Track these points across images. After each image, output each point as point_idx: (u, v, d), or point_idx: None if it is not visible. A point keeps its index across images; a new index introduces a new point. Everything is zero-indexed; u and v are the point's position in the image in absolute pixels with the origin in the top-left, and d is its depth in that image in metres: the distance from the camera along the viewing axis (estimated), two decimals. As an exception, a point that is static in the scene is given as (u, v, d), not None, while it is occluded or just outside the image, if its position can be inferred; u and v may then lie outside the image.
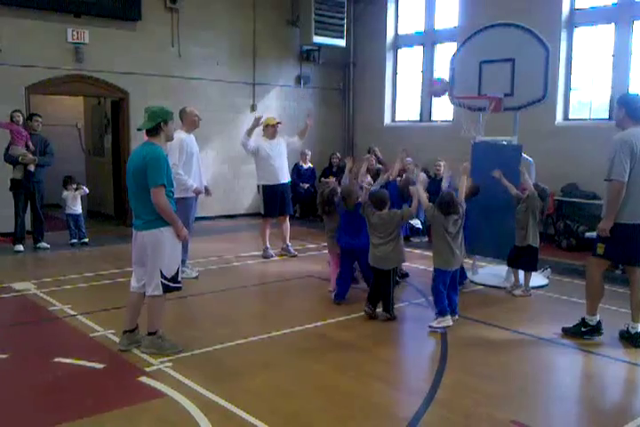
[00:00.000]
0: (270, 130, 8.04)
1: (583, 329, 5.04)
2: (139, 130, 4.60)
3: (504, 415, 3.66)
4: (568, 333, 5.12)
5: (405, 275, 6.97)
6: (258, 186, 8.15)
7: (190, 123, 6.88)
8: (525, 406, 3.87)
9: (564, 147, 9.33)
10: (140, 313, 4.68)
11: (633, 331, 4.95)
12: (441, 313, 5.25)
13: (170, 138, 4.71)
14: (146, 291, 4.56)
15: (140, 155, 4.44)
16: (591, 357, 4.75)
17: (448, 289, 5.37)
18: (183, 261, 6.77)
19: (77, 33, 9.67)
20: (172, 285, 4.53)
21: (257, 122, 7.84)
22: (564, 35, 9.75)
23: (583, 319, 5.07)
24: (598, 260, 4.96)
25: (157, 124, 4.48)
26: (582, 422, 3.77)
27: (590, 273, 5.08)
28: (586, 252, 8.04)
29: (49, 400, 3.85)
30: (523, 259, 6.31)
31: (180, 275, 4.61)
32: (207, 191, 7.11)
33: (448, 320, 5.24)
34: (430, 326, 5.22)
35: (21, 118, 8.26)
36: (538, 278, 6.86)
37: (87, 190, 9.09)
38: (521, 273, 6.53)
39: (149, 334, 4.60)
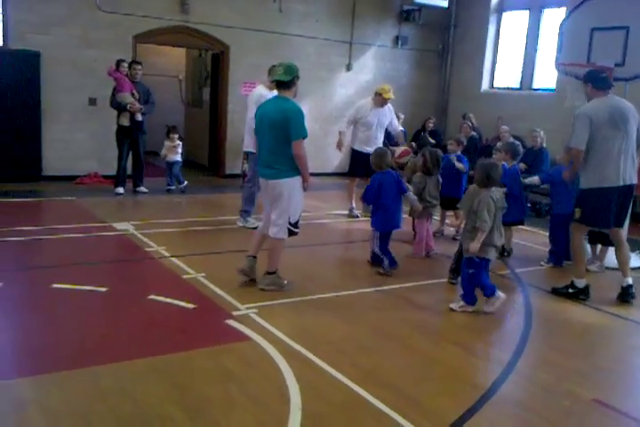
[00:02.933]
0: (380, 100, 7.99)
1: (570, 291, 5.34)
2: (273, 81, 4.98)
3: (585, 393, 3.61)
4: (556, 293, 5.41)
5: (510, 251, 6.65)
6: (350, 148, 8.21)
7: None
8: (608, 385, 3.80)
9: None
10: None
11: (625, 284, 5.33)
12: (468, 302, 4.86)
13: (296, 94, 4.94)
14: (270, 232, 4.96)
15: (280, 109, 4.72)
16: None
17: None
18: (248, 212, 7.13)
19: (185, -15, 9.84)
20: (295, 229, 4.97)
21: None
22: (688, 3, 9.04)
23: (572, 282, 5.35)
24: (578, 225, 5.30)
25: (293, 78, 4.79)
26: (667, 408, 3.67)
27: (571, 238, 5.43)
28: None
29: (142, 334, 4.10)
30: (598, 235, 6.14)
31: (300, 221, 5.02)
32: None
33: (470, 308, 4.86)
34: (450, 308, 4.87)
35: (126, 69, 8.56)
36: (633, 260, 6.59)
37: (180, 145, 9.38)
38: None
39: (269, 273, 5.02)
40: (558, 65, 7.48)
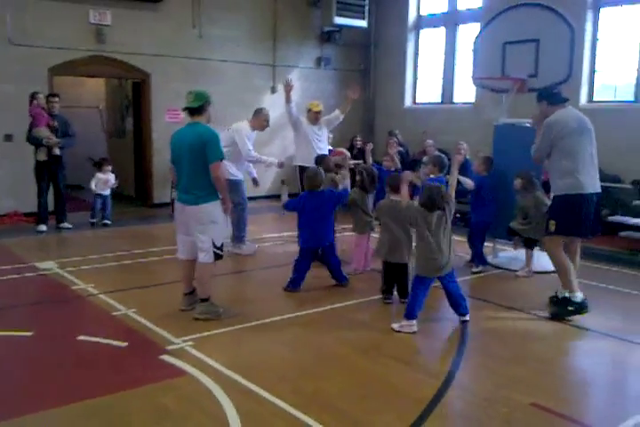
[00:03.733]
0: (312, 115, 7.79)
1: (570, 308, 5.05)
2: (184, 109, 4.94)
3: (524, 398, 3.66)
4: (555, 317, 5.08)
5: None
6: (295, 166, 7.97)
7: (259, 124, 7.29)
8: (545, 389, 3.86)
9: (588, 130, 9.20)
10: (194, 277, 5.12)
11: (560, 295, 5.15)
12: (408, 316, 4.81)
13: (209, 119, 5.02)
14: (198, 258, 4.96)
15: (196, 134, 4.80)
16: (612, 341, 4.71)
17: (452, 290, 4.99)
18: (242, 238, 7.34)
19: (100, 14, 9.67)
20: (220, 253, 4.98)
21: (288, 85, 7.66)
22: (589, 15, 9.55)
23: (566, 298, 5.07)
24: (553, 237, 5.14)
25: (203, 104, 4.88)
26: (603, 406, 3.76)
27: (551, 252, 5.19)
28: (609, 236, 8.03)
29: (73, 377, 3.91)
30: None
31: (224, 244, 5.07)
32: (256, 182, 7.65)
33: (413, 327, 4.77)
34: (392, 328, 4.81)
35: (42, 100, 8.30)
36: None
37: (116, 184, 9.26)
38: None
39: (202, 300, 4.98)
40: (474, 79, 7.74)
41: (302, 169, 7.89)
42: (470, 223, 6.90)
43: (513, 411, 3.51)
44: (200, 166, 4.77)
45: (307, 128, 7.83)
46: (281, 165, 7.63)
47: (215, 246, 4.90)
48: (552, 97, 5.30)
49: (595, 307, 5.20)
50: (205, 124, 4.91)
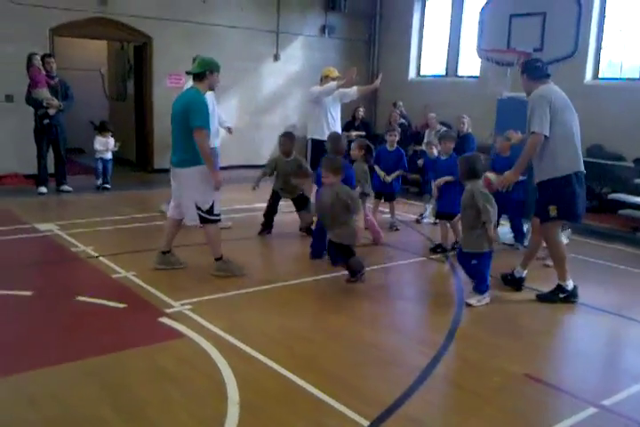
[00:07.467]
0: (330, 82, 7.35)
1: (560, 295, 4.97)
2: (187, 73, 5.15)
3: (517, 369, 3.71)
4: (544, 300, 4.98)
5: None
6: (307, 140, 7.65)
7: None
8: (539, 360, 3.93)
9: (592, 106, 9.07)
10: (175, 237, 5.33)
11: (517, 275, 5.20)
12: (481, 291, 4.88)
13: (212, 87, 5.14)
14: (185, 220, 5.15)
15: (184, 98, 4.96)
16: (607, 316, 4.76)
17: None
18: None
19: (103, -25, 9.49)
20: (209, 217, 5.03)
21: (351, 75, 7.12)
22: (598, -10, 9.41)
23: (559, 286, 4.98)
24: (553, 223, 4.90)
25: (204, 71, 4.95)
26: (595, 379, 3.80)
27: (552, 240, 4.97)
28: (608, 213, 8.06)
29: (71, 337, 3.96)
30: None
31: (215, 208, 5.06)
32: (229, 130, 7.66)
33: (487, 299, 4.87)
34: (468, 304, 4.79)
35: (38, 61, 8.20)
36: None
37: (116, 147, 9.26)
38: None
39: (216, 259, 5.18)
40: (480, 51, 7.67)
41: (315, 143, 7.61)
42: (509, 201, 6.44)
43: (505, 381, 3.57)
44: (182, 130, 4.88)
45: (327, 102, 7.37)
46: (228, 131, 7.74)
47: (201, 210, 4.98)
48: (532, 70, 4.96)
49: (591, 283, 5.25)
50: (199, 91, 4.95)
